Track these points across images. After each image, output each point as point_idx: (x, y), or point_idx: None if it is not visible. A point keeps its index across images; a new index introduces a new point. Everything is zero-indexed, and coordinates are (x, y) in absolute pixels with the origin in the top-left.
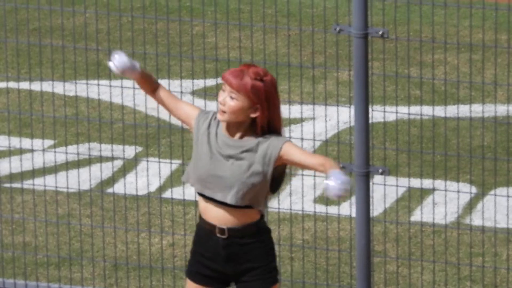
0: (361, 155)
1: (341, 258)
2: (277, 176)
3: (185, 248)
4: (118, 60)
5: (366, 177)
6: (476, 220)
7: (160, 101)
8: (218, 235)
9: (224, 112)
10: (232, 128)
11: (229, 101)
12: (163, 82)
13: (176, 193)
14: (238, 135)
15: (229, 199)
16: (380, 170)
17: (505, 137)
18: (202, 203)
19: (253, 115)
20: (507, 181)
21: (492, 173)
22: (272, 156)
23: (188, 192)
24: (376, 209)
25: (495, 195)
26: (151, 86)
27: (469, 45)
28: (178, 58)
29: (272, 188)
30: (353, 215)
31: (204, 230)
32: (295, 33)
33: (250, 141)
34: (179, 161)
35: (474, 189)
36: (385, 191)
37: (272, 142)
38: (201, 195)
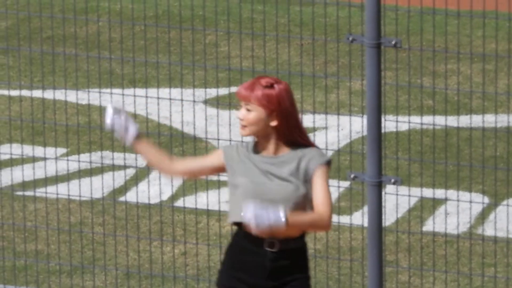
0: (374, 165)
1: (353, 267)
2: None
3: (197, 257)
4: (111, 116)
5: (378, 187)
6: (488, 230)
7: (186, 174)
8: (267, 248)
9: (245, 126)
10: (262, 145)
11: (246, 114)
12: (175, 91)
13: (188, 202)
14: (271, 150)
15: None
16: (393, 180)
17: None
18: None
19: (273, 124)
20: None
21: (504, 183)
22: (310, 172)
23: (200, 201)
24: (388, 219)
25: (507, 205)
26: (159, 161)
27: (482, 55)
28: (191, 67)
29: None
30: (365, 224)
31: (247, 242)
32: (308, 43)
33: (288, 155)
34: None
35: (486, 199)
36: (397, 201)
37: (313, 158)
38: None
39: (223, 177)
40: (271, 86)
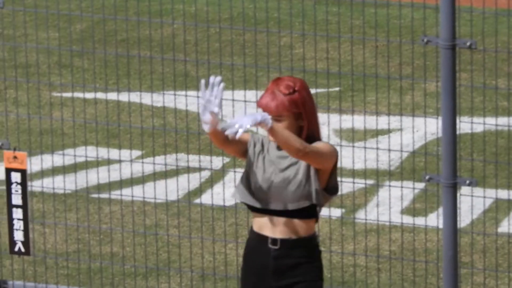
0: (449, 166)
1: (428, 269)
2: (329, 179)
3: None
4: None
5: (453, 189)
6: None
7: (230, 146)
8: (270, 245)
9: None
10: None
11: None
12: (250, 93)
13: None
14: None
15: (290, 205)
16: (468, 181)
17: None
18: (256, 217)
19: (301, 124)
20: None
21: None
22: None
23: None
24: (463, 220)
25: None
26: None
27: None
28: (266, 69)
29: (330, 192)
30: (440, 226)
31: (255, 242)
32: (382, 44)
33: None
34: None
35: None
36: (472, 202)
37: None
38: (253, 209)
39: None
40: (293, 92)
